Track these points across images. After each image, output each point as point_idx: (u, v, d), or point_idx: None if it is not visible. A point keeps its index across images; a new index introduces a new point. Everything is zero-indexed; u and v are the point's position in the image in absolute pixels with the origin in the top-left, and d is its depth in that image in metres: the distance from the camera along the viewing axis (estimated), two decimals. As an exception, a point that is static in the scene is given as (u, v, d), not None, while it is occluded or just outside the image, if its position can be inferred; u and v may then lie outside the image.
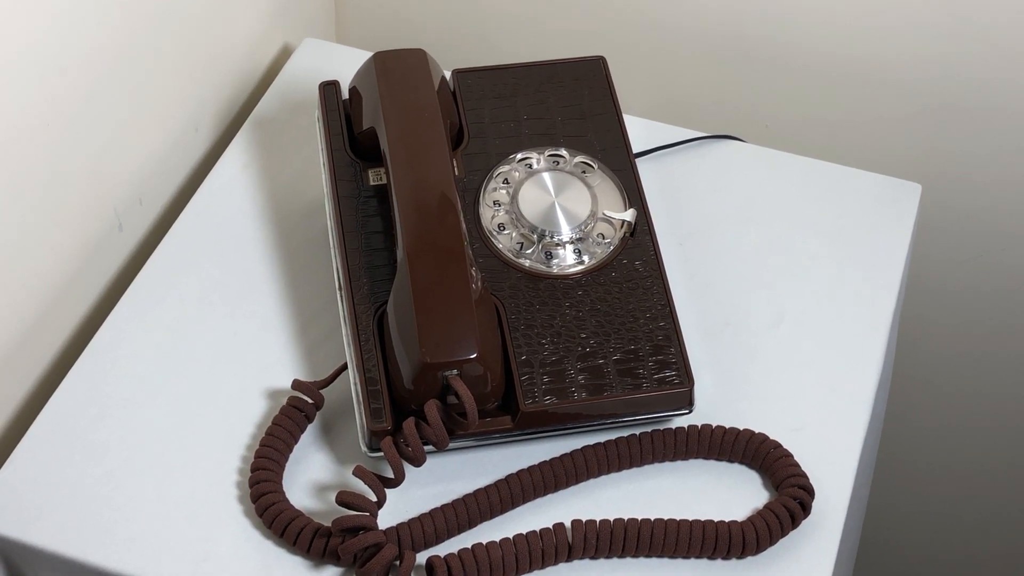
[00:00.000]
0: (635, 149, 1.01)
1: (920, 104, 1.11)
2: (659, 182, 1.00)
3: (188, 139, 1.02)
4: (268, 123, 1.04)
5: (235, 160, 1.01)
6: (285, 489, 0.84)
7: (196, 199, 0.99)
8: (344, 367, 0.86)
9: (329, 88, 0.94)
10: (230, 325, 0.92)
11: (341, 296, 0.87)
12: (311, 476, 0.85)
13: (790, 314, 0.94)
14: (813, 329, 0.93)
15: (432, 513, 0.83)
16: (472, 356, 0.81)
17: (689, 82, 1.17)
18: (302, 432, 0.86)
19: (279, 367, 0.90)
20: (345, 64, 1.00)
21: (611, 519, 0.82)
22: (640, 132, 1.02)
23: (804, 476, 0.84)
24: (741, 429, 0.86)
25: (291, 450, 0.85)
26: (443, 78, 0.94)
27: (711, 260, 0.96)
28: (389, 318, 0.84)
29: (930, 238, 1.14)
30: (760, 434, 0.86)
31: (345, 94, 0.94)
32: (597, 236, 0.89)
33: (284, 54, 1.12)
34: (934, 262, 1.20)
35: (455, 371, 0.81)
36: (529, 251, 0.88)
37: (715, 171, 1.02)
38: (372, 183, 0.90)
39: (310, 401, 0.86)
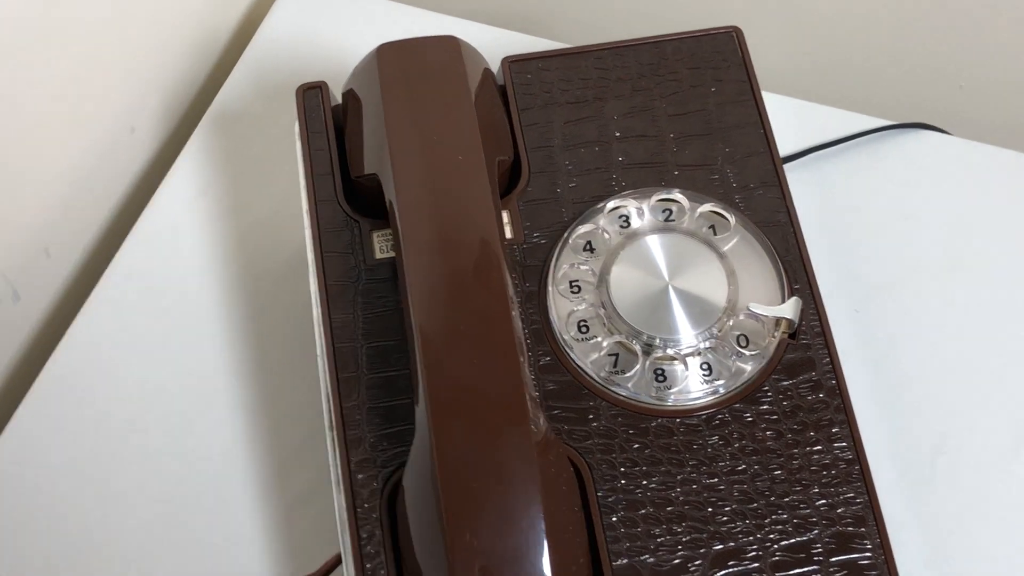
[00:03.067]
0: (781, 151, 0.66)
1: None
2: (811, 207, 0.66)
3: (119, 146, 0.69)
4: (235, 120, 0.70)
5: (185, 182, 0.68)
6: None
7: (125, 250, 0.66)
8: (338, 561, 0.54)
9: (311, 95, 0.60)
10: (162, 472, 0.60)
11: (332, 442, 0.55)
12: None
13: (1036, 434, 0.61)
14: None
15: None
16: (541, 585, 0.49)
17: (846, 49, 0.81)
18: (275, 673, 0.55)
19: (246, 540, 0.58)
20: (350, 27, 0.66)
21: None
22: (778, 120, 0.68)
23: None
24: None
25: None
26: (487, 75, 0.59)
27: (904, 337, 0.62)
28: (403, 506, 0.52)
29: None
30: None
31: (337, 99, 0.61)
32: (737, 342, 0.56)
33: (259, 10, 0.77)
34: None
35: (513, 610, 0.49)
36: (630, 371, 0.55)
37: (902, 184, 0.68)
38: (379, 256, 0.57)
39: (286, 625, 0.55)
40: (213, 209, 0.67)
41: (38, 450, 0.60)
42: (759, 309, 0.55)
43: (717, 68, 0.61)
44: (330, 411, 0.55)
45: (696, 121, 0.60)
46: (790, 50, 0.79)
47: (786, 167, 0.67)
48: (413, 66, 0.57)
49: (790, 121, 0.69)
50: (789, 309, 0.56)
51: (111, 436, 0.60)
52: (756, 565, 0.52)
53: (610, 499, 0.53)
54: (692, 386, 0.55)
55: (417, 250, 0.53)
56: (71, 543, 0.58)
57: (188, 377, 0.62)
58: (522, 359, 0.51)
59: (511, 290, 0.53)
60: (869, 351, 0.62)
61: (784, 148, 0.67)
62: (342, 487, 0.53)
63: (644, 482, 0.53)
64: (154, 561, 0.58)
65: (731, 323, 0.56)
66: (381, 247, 0.57)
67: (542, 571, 0.48)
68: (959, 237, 0.66)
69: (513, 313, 0.52)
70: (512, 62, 0.61)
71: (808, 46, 0.80)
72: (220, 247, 0.66)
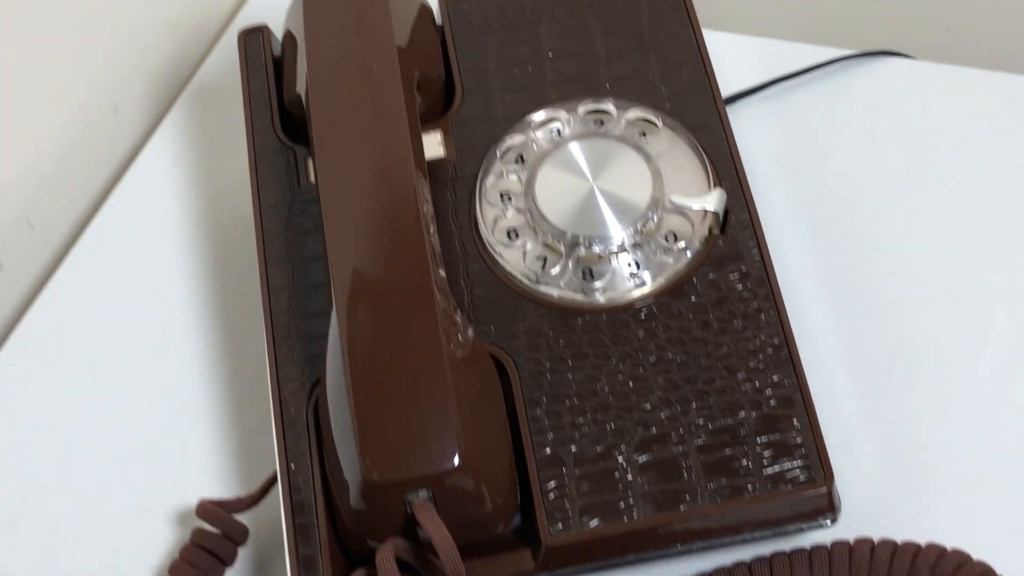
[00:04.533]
0: (738, 86, 0.66)
1: None
2: (776, 135, 0.65)
3: (103, 126, 0.72)
4: (213, 92, 0.73)
5: (162, 151, 0.70)
6: None
7: (100, 217, 0.68)
8: (275, 477, 0.55)
9: (253, 38, 0.62)
10: (127, 405, 0.61)
11: (268, 368, 0.55)
12: (231, 657, 0.54)
13: (1000, 334, 0.58)
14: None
15: None
16: (450, 466, 0.48)
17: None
18: (216, 584, 0.55)
19: (201, 473, 0.59)
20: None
21: None
22: (744, 59, 0.68)
23: (1036, 626, 0.50)
24: (923, 545, 0.52)
25: (197, 617, 0.54)
26: (422, 7, 0.61)
27: (863, 256, 0.61)
28: (322, 406, 0.52)
29: None
30: (956, 552, 0.52)
31: (278, 50, 0.63)
32: (665, 238, 0.55)
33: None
34: None
35: (424, 492, 0.49)
36: (556, 271, 0.55)
37: (868, 108, 0.67)
38: (313, 179, 0.58)
39: (223, 536, 0.55)
40: (187, 175, 0.69)
41: (8, 406, 0.62)
42: (681, 200, 0.55)
43: (653, -14, 0.61)
44: (265, 327, 0.56)
45: (629, 36, 0.60)
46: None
47: (751, 100, 0.67)
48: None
49: (756, 57, 0.69)
50: (713, 200, 0.55)
51: (81, 387, 0.62)
52: (681, 448, 0.51)
53: (534, 393, 0.53)
54: (619, 283, 0.55)
55: (327, 153, 0.54)
56: (39, 483, 0.59)
57: (156, 331, 0.63)
58: (429, 267, 0.51)
59: (425, 192, 0.54)
60: (829, 265, 0.61)
61: (750, 84, 0.67)
62: (271, 400, 0.54)
63: (569, 376, 0.53)
64: (116, 485, 0.59)
65: (657, 220, 0.55)
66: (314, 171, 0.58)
67: (451, 455, 0.48)
68: (926, 155, 0.64)
69: (420, 220, 0.52)
70: (448, -7, 0.62)
71: None
72: (192, 210, 0.67)
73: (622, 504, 0.51)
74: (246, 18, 0.76)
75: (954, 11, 0.78)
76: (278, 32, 0.63)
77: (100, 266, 0.66)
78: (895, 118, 0.66)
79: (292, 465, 0.52)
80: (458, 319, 0.52)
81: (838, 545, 0.52)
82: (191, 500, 0.56)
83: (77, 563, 0.57)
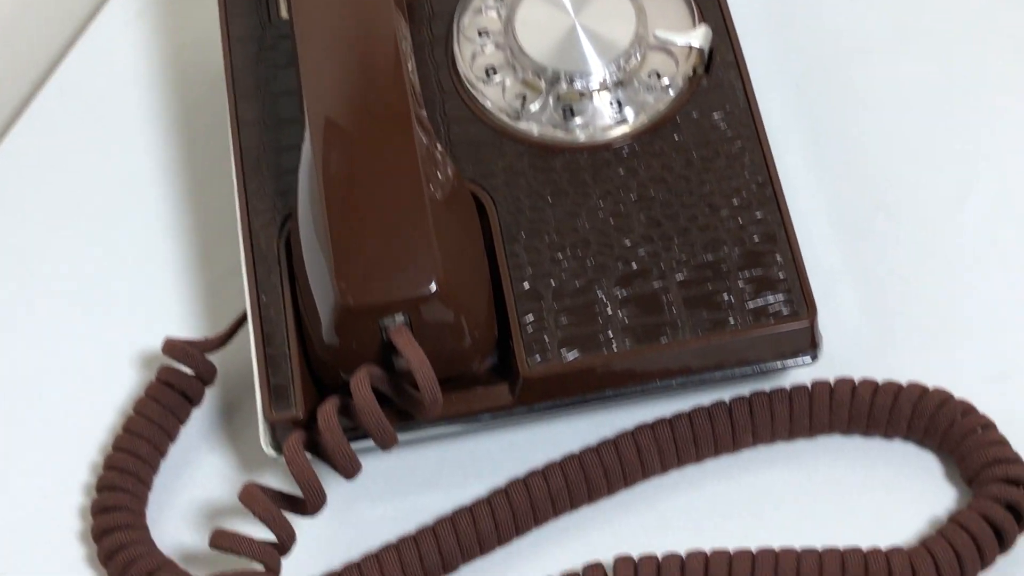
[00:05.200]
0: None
1: None
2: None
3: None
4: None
5: (123, 5, 0.68)
6: (153, 519, 0.52)
7: (61, 69, 0.66)
8: (245, 316, 0.53)
9: None
10: (91, 251, 0.59)
11: (238, 202, 0.54)
12: (197, 495, 0.53)
13: (982, 188, 0.58)
14: (1020, 207, 0.57)
15: (378, 556, 0.50)
16: (428, 291, 0.47)
17: None
18: (182, 423, 0.54)
19: (160, 320, 0.57)
20: None
21: (683, 554, 0.48)
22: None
23: (1017, 461, 0.49)
24: (904, 384, 0.51)
25: (164, 454, 0.53)
26: None
27: (847, 107, 0.60)
28: (295, 235, 0.51)
29: None
30: (937, 391, 0.51)
31: None
32: (648, 76, 0.54)
33: None
34: None
35: (400, 317, 0.47)
36: (536, 108, 0.54)
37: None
38: (284, 15, 0.57)
39: (192, 374, 0.53)
40: (152, 27, 0.67)
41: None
42: (666, 35, 0.54)
43: None
44: (234, 161, 0.54)
45: None
46: None
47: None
48: None
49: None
50: (698, 36, 0.54)
51: (44, 234, 0.60)
52: (662, 284, 0.50)
53: (513, 230, 0.52)
54: (600, 121, 0.54)
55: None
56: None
57: (122, 179, 0.62)
58: (408, 94, 0.50)
59: (404, 29, 0.53)
60: (812, 118, 0.60)
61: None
62: (240, 233, 0.53)
63: (549, 212, 0.52)
64: (79, 330, 0.57)
65: (640, 57, 0.54)
66: (288, 6, 0.56)
67: (429, 279, 0.47)
68: (914, 10, 0.63)
69: (397, 45, 0.51)
70: None
71: None
72: (157, 61, 0.65)
73: (601, 337, 0.50)
74: None
75: None
76: None
77: (62, 116, 0.64)
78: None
79: (263, 297, 0.51)
80: (438, 155, 0.51)
81: (819, 384, 0.51)
82: (157, 343, 0.55)
83: (39, 406, 0.55)
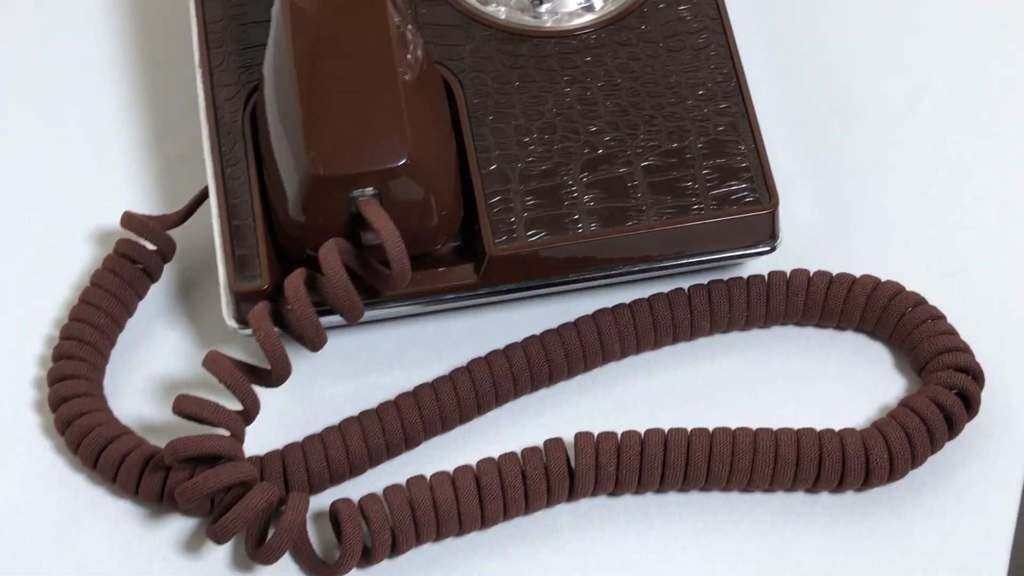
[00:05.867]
0: None
1: None
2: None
3: None
4: None
5: None
6: (110, 392, 0.51)
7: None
8: (206, 193, 0.53)
9: None
10: (45, 130, 0.59)
11: (198, 70, 0.53)
12: (154, 369, 0.53)
13: (933, 91, 0.59)
14: (970, 112, 0.58)
15: (341, 427, 0.50)
16: (398, 163, 0.47)
17: None
18: (140, 298, 0.53)
19: (116, 198, 0.57)
20: None
21: (641, 432, 0.49)
22: None
23: (966, 350, 0.50)
24: (858, 276, 0.52)
25: (121, 328, 0.53)
26: None
27: (807, 13, 0.61)
28: (261, 107, 0.50)
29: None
30: (890, 283, 0.52)
31: None
32: (616, -35, 0.55)
33: None
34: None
35: (370, 190, 0.47)
36: (504, -6, 0.54)
37: None
38: None
39: (151, 248, 0.53)
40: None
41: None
42: (637, -77, 0.54)
43: None
44: (194, 35, 0.54)
45: None
46: None
47: None
48: None
49: None
50: (666, -75, 0.54)
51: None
52: (626, 170, 0.51)
53: (480, 113, 0.52)
54: (567, 7, 0.54)
55: None
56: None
57: (73, 64, 0.61)
58: None
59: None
60: (768, 24, 0.61)
61: None
62: (206, 116, 0.52)
63: (516, 97, 0.52)
64: (31, 208, 0.56)
65: (608, -53, 0.55)
66: None
67: (400, 152, 0.47)
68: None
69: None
70: None
71: None
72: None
73: (567, 220, 0.50)
74: None
75: None
76: None
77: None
78: None
79: (228, 170, 0.51)
80: (409, 34, 0.51)
81: (775, 274, 0.52)
82: (112, 221, 0.55)
83: (-9, 279, 0.55)
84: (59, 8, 0.62)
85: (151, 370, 0.52)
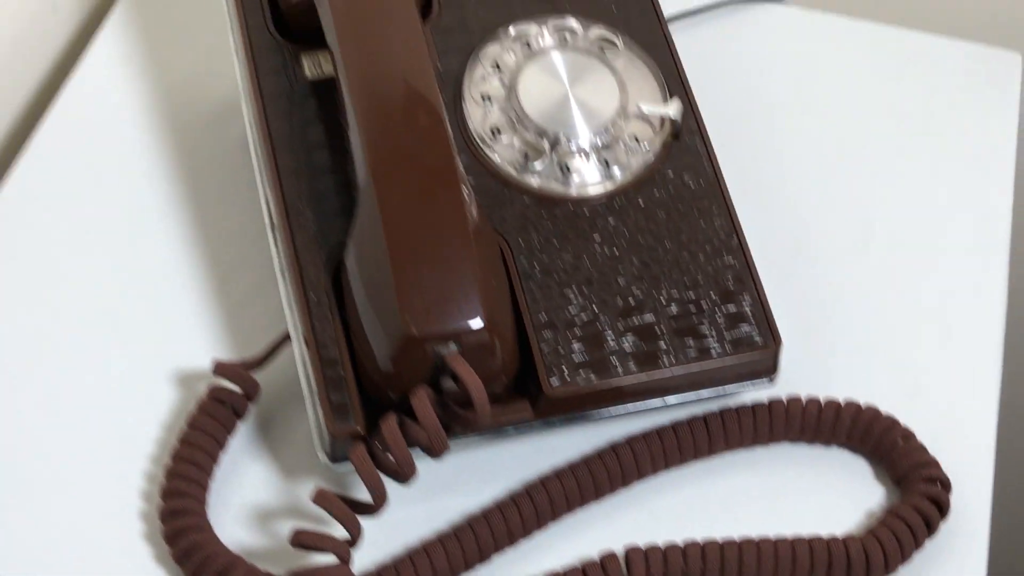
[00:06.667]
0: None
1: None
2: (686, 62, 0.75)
3: (42, 24, 0.75)
4: (151, -3, 0.76)
5: (108, 49, 0.74)
6: (212, 522, 0.58)
7: (53, 114, 0.71)
8: (286, 338, 0.61)
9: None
10: (114, 286, 0.65)
11: (276, 239, 0.61)
12: (247, 499, 0.60)
13: (880, 231, 0.70)
14: (914, 249, 0.70)
15: (427, 548, 0.58)
16: (477, 325, 0.56)
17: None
18: (230, 435, 0.60)
19: (189, 342, 0.64)
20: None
21: (682, 543, 0.58)
22: None
23: (936, 465, 0.61)
24: (843, 402, 0.62)
25: (216, 462, 0.60)
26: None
27: (761, 163, 0.72)
28: (351, 273, 0.58)
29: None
30: (871, 408, 0.63)
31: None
32: (630, 140, 0.64)
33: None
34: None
35: (453, 346, 0.56)
36: (538, 164, 0.63)
37: (755, 46, 0.77)
38: (309, 76, 0.64)
39: (238, 391, 0.60)
40: (137, 70, 0.73)
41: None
42: (648, 107, 0.64)
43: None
44: (269, 206, 0.61)
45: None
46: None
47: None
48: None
49: None
50: (673, 108, 0.64)
51: (55, 267, 0.66)
52: (653, 317, 0.60)
53: (527, 269, 0.61)
54: (592, 177, 0.63)
55: (354, 59, 0.60)
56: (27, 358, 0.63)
57: (126, 218, 0.67)
58: (455, 152, 0.58)
59: (440, 98, 0.60)
60: (739, 180, 0.70)
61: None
62: (288, 276, 0.60)
63: (556, 255, 0.61)
64: (106, 354, 0.63)
65: (624, 124, 0.64)
66: (311, 67, 0.64)
67: (479, 311, 0.56)
68: (803, 92, 0.75)
69: (443, 111, 0.59)
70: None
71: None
72: (150, 101, 0.71)
73: (610, 362, 0.59)
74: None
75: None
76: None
77: (59, 160, 0.69)
78: (775, 66, 0.77)
79: (316, 324, 0.58)
80: (468, 197, 0.59)
81: (775, 402, 0.62)
82: (182, 366, 0.62)
83: (88, 425, 0.61)
84: (105, 170, 0.69)
85: (244, 500, 0.59)
